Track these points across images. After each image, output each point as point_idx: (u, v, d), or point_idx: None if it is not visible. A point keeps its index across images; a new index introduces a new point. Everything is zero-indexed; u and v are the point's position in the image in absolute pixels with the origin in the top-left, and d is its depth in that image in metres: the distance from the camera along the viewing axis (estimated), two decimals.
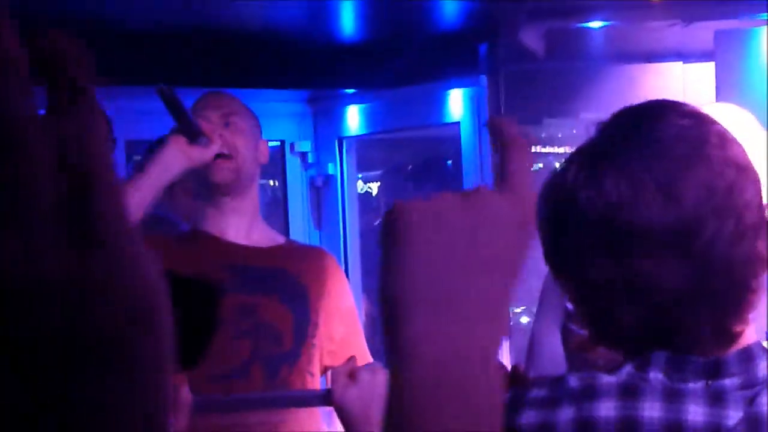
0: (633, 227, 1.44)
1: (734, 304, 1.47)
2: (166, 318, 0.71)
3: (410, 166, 6.61)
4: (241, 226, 2.94)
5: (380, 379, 2.22)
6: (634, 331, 1.48)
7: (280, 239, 3.19)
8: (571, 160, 1.55)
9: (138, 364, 0.68)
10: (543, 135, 5.06)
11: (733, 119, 2.83)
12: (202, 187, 2.99)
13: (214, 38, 4.68)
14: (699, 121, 1.51)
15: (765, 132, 3.02)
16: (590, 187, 1.47)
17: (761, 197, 1.49)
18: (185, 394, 2.35)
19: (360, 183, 6.48)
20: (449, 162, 5.77)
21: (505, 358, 3.90)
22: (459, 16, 4.67)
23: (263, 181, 5.76)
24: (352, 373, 2.31)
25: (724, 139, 1.49)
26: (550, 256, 1.57)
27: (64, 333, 0.59)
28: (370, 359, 2.99)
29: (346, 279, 3.20)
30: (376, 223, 6.24)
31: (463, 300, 0.82)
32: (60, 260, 0.59)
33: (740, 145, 1.51)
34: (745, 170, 1.48)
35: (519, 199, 0.85)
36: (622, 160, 1.47)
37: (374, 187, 6.58)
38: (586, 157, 1.52)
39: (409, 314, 0.81)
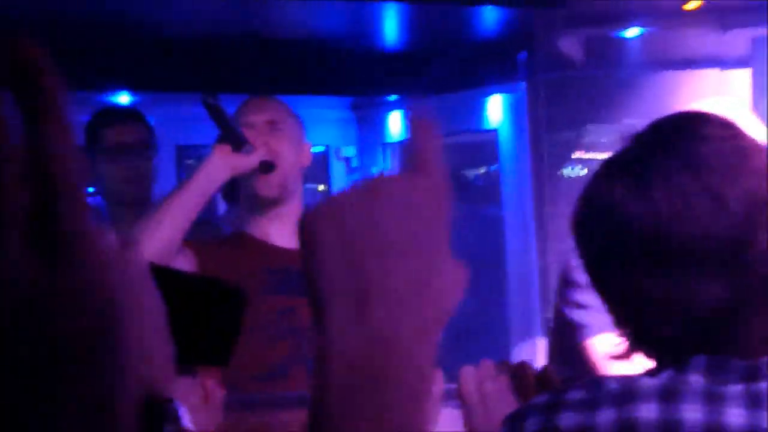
0: (686, 239, 1.42)
1: None
2: (136, 325, 0.69)
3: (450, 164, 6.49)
4: (284, 230, 2.91)
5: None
6: (679, 339, 1.47)
7: None
8: (611, 172, 1.52)
9: (101, 373, 0.67)
10: (586, 140, 5.06)
11: (730, 111, 2.61)
12: (248, 196, 2.98)
13: (261, 45, 4.69)
14: (735, 131, 1.49)
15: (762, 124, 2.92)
16: (639, 201, 1.45)
17: None
18: (218, 391, 2.34)
19: None
20: (492, 167, 5.78)
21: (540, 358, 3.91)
22: (498, 24, 4.66)
23: (311, 185, 5.79)
24: None
25: (760, 149, 1.48)
26: (594, 269, 1.55)
27: (30, 341, 0.58)
28: None
29: None
30: None
31: (377, 290, 0.78)
32: (26, 269, 0.59)
33: None
34: None
35: (426, 178, 0.81)
36: (669, 172, 1.45)
37: None
38: (629, 170, 1.49)
39: (325, 313, 0.78)
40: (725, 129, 1.50)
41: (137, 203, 3.44)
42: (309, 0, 4.04)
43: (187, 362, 0.97)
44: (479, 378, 1.92)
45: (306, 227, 0.79)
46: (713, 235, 1.42)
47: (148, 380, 0.87)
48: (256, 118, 2.95)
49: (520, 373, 1.86)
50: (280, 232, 2.91)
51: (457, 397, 1.91)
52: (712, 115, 1.56)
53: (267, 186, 2.88)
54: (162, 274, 0.87)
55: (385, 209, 0.78)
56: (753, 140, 1.50)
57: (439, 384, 2.00)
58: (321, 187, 5.97)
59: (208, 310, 1.00)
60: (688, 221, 1.42)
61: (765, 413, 1.37)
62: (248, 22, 4.45)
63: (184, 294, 0.96)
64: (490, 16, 4.47)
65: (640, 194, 1.46)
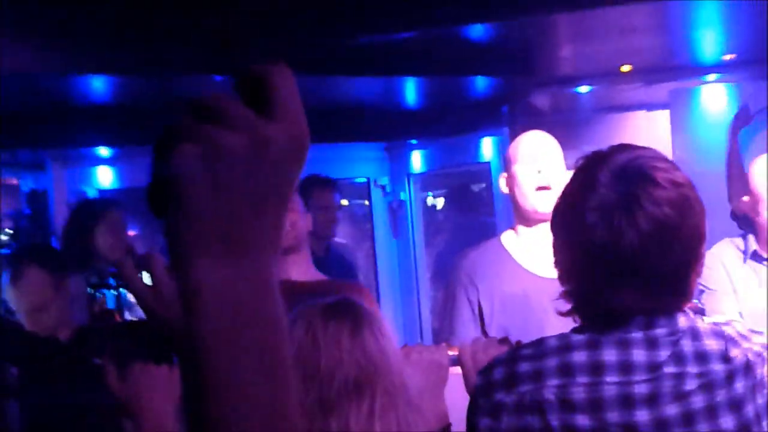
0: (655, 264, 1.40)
1: (681, 295, 1.46)
2: None
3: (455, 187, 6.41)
4: (293, 271, 2.77)
5: (432, 355, 2.02)
6: (605, 311, 1.45)
7: (323, 278, 2.93)
8: (586, 206, 1.42)
9: None
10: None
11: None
12: None
13: (324, 110, 4.83)
14: (681, 182, 1.44)
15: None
16: (605, 230, 1.40)
17: None
18: None
19: (430, 198, 6.43)
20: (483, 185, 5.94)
21: None
22: (487, 88, 4.80)
23: (359, 202, 5.96)
24: (407, 354, 2.03)
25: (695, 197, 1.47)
26: (561, 263, 1.51)
27: None
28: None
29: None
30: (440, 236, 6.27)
31: (246, 242, 0.64)
32: None
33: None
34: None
35: (291, 123, 0.66)
36: (629, 211, 1.39)
37: (440, 202, 6.51)
38: (601, 208, 1.41)
39: (190, 260, 0.63)
40: (674, 181, 1.42)
41: None
42: (358, 77, 4.21)
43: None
44: (473, 351, 1.98)
45: (174, 165, 0.63)
46: (658, 262, 1.40)
47: None
48: None
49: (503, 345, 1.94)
50: (297, 270, 2.78)
51: (458, 364, 2.00)
52: (664, 164, 1.45)
53: (287, 239, 2.73)
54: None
55: (254, 155, 0.63)
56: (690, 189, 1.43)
57: (446, 354, 2.03)
58: (366, 202, 6.09)
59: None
60: (640, 249, 1.39)
61: (659, 351, 1.41)
62: (310, 95, 4.84)
63: None
64: (482, 83, 4.62)
65: (606, 224, 1.39)
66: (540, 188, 2.77)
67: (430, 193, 6.39)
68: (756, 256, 2.92)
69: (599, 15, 3.50)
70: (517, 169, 2.84)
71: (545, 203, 2.68)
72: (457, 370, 2.05)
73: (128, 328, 1.30)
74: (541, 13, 3.41)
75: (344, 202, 5.82)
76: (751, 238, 2.92)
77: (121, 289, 1.33)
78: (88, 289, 1.27)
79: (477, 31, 3.69)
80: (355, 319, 1.32)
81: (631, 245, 1.38)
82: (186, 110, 0.65)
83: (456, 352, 2.11)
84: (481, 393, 1.49)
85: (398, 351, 1.30)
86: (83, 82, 3.85)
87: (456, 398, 1.91)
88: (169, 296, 1.20)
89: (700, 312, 3.47)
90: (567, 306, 1.50)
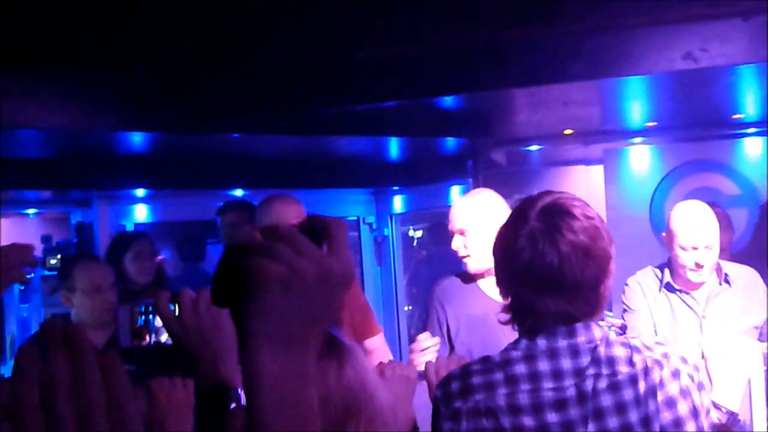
0: (570, 278, 1.41)
1: (597, 312, 1.46)
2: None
3: (429, 226, 6.46)
4: None
5: (402, 372, 1.96)
6: (535, 320, 1.45)
7: None
8: (519, 232, 1.43)
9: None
10: (512, 203, 5.10)
11: (485, 195, 2.73)
12: None
13: (321, 160, 4.97)
14: (591, 216, 1.45)
15: (508, 209, 2.64)
16: (533, 251, 1.41)
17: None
18: None
19: (411, 231, 6.34)
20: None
21: None
22: (455, 146, 4.78)
23: (353, 233, 5.81)
24: (381, 371, 1.99)
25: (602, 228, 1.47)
26: (502, 282, 1.50)
27: None
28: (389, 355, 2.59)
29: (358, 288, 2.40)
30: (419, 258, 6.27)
31: (303, 341, 0.68)
32: None
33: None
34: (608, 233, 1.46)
35: (344, 262, 0.71)
36: (552, 236, 1.41)
37: (419, 233, 6.40)
38: (531, 235, 1.42)
39: (257, 349, 0.66)
40: (587, 215, 1.44)
41: None
42: (353, 136, 4.19)
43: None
44: (436, 367, 1.97)
45: (255, 278, 0.66)
46: (572, 275, 1.40)
47: (223, 375, 1.09)
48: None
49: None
50: None
51: (424, 378, 1.99)
52: (579, 203, 1.47)
53: None
54: None
55: (318, 282, 0.68)
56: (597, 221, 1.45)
57: (414, 370, 2.01)
58: (354, 234, 5.97)
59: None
60: (559, 264, 1.40)
61: (580, 358, 1.41)
62: (312, 150, 4.64)
63: None
64: (451, 142, 4.63)
65: (537, 244, 1.41)
66: None
67: (411, 226, 6.37)
68: (669, 287, 2.90)
69: (547, 90, 3.53)
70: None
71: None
72: (424, 383, 2.04)
73: (156, 349, 1.27)
74: (500, 88, 3.42)
75: None
76: (666, 270, 2.90)
77: (151, 316, 1.28)
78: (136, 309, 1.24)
79: (447, 101, 3.71)
80: (339, 354, 1.29)
81: (552, 263, 1.40)
82: (263, 233, 0.71)
83: (422, 368, 2.10)
84: (441, 402, 1.49)
85: (374, 378, 1.26)
86: (125, 136, 3.86)
87: (421, 405, 1.92)
88: (190, 327, 1.18)
89: (624, 328, 3.48)
90: (506, 316, 1.51)
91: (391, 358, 2.43)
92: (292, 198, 2.81)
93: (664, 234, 2.92)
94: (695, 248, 2.75)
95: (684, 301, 2.88)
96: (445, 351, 2.59)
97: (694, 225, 2.76)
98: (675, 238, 2.81)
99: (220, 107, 3.58)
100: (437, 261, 5.90)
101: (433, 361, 2.09)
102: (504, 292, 1.51)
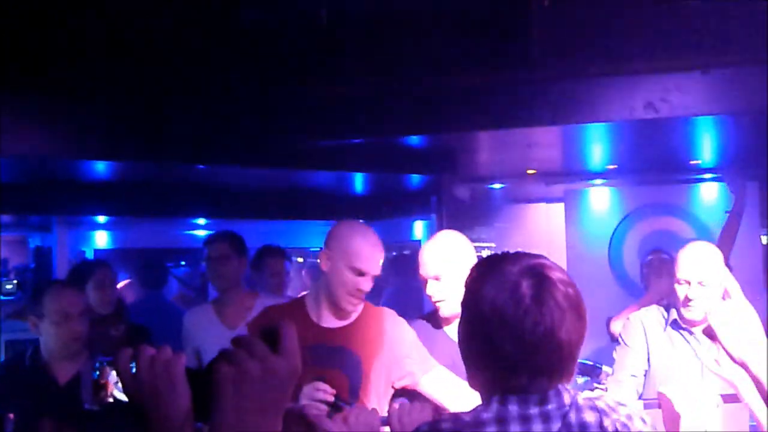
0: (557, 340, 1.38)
1: (570, 375, 1.43)
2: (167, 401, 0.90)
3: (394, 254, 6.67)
4: (332, 316, 2.46)
5: (366, 418, 1.93)
6: (509, 385, 1.42)
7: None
8: (492, 287, 1.42)
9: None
10: (474, 236, 5.01)
11: (457, 240, 2.60)
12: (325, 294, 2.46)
13: (289, 192, 5.00)
14: (569, 278, 1.44)
15: (471, 246, 2.61)
16: (510, 306, 1.39)
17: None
18: None
19: None
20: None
21: None
22: (421, 182, 4.83)
23: (314, 261, 5.68)
24: (345, 417, 2.01)
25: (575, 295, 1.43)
26: (466, 336, 1.48)
27: None
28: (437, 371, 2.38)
29: (402, 328, 2.46)
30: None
31: (260, 424, 0.82)
32: None
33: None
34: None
35: (290, 360, 0.85)
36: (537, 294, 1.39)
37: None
38: (505, 288, 1.41)
39: None
40: (567, 280, 1.43)
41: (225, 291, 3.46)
42: (321, 171, 4.21)
43: (199, 420, 1.05)
44: (399, 414, 1.99)
45: (217, 375, 0.85)
46: (564, 339, 1.39)
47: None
48: None
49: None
50: (328, 318, 2.46)
51: (387, 424, 1.98)
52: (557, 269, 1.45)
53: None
54: (190, 372, 1.04)
55: (270, 378, 0.84)
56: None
57: (377, 416, 1.99)
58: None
59: (208, 391, 1.01)
60: (551, 328, 1.38)
61: (551, 424, 1.39)
62: (281, 183, 4.73)
63: (199, 382, 1.02)
64: (416, 178, 4.66)
65: (528, 309, 1.39)
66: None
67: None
68: (675, 324, 2.88)
69: (511, 132, 3.57)
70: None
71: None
72: (386, 429, 2.01)
73: (113, 406, 1.23)
74: (465, 130, 3.46)
75: (300, 259, 5.67)
76: (673, 310, 2.89)
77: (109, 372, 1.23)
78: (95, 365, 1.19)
79: (414, 140, 3.74)
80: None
81: (543, 327, 1.38)
82: (234, 342, 0.86)
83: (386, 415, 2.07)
84: None
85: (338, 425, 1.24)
86: (87, 164, 3.82)
87: None
88: (146, 385, 1.14)
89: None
90: (477, 383, 1.48)
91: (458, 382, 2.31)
92: (361, 224, 2.68)
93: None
94: (688, 282, 2.72)
95: (686, 340, 2.87)
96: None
97: (690, 259, 2.72)
98: (675, 272, 2.77)
99: (183, 137, 3.56)
100: (398, 291, 5.89)
101: (397, 407, 2.06)
102: (471, 355, 1.47)
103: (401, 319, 2.53)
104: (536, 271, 1.42)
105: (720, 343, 1.73)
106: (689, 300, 2.74)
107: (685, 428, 2.20)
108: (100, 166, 3.92)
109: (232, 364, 0.83)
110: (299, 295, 2.70)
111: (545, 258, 1.47)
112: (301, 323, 2.38)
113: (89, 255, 5.09)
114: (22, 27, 3.01)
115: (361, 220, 2.47)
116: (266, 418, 0.81)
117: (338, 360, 2.41)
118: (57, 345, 2.77)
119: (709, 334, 1.76)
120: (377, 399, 2.40)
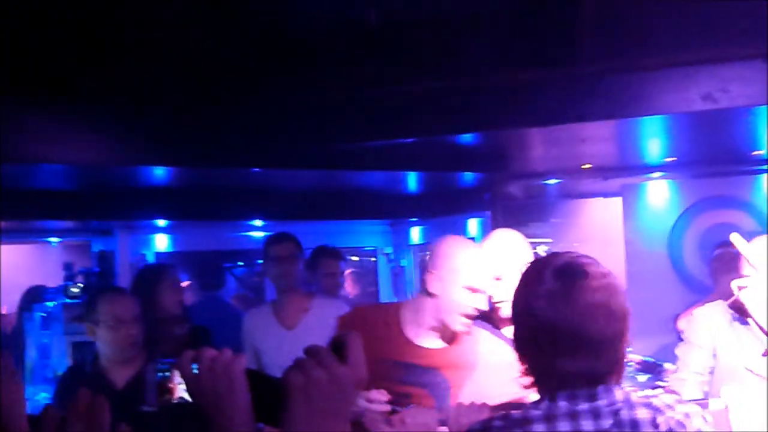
0: (579, 333, 1.39)
1: (621, 372, 1.45)
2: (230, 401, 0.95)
3: None
4: (433, 338, 2.39)
5: (422, 419, 1.94)
6: (557, 382, 1.42)
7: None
8: (541, 289, 1.43)
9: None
10: (530, 232, 4.87)
11: (512, 239, 2.61)
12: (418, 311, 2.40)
13: (343, 193, 5.05)
14: (606, 273, 1.44)
15: (527, 244, 2.63)
16: (556, 309, 1.40)
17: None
18: None
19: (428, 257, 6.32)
20: None
21: None
22: (474, 180, 4.82)
23: (370, 260, 5.86)
24: (402, 418, 2.02)
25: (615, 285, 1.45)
26: (521, 340, 1.48)
27: None
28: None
29: (496, 352, 2.33)
30: None
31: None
32: None
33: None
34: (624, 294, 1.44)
35: (356, 370, 0.91)
36: (574, 295, 1.40)
37: None
38: (552, 293, 1.42)
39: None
40: (597, 268, 1.44)
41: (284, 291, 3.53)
42: (375, 171, 4.23)
43: (259, 421, 1.09)
44: (456, 414, 1.97)
45: (287, 386, 0.92)
46: (595, 334, 1.39)
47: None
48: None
49: None
50: (418, 335, 2.39)
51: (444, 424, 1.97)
52: (591, 261, 1.46)
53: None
54: (250, 374, 1.08)
55: (338, 387, 0.90)
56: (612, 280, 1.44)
57: (434, 417, 2.00)
58: (373, 259, 6.09)
59: (269, 394, 1.06)
60: (580, 324, 1.39)
61: (602, 420, 1.38)
62: (335, 184, 4.77)
63: (259, 385, 1.09)
64: (469, 176, 4.67)
65: (557, 306, 1.40)
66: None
67: (428, 253, 6.36)
68: (742, 319, 2.79)
69: (564, 128, 3.50)
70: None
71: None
72: (444, 428, 2.03)
73: (177, 407, 1.25)
74: (518, 127, 3.42)
75: (355, 258, 5.72)
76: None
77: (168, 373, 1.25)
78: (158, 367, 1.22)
79: (467, 138, 3.70)
80: None
81: (573, 323, 1.40)
82: (306, 352, 0.93)
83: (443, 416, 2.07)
84: None
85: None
86: (147, 169, 3.89)
87: None
88: (207, 387, 1.15)
89: (645, 365, 3.35)
90: (528, 380, 1.50)
91: None
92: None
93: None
94: None
95: (755, 336, 2.79)
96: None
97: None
98: (743, 267, 2.67)
99: (240, 142, 3.60)
100: None
101: (455, 407, 2.07)
102: (521, 355, 1.48)
103: (496, 340, 2.41)
104: (568, 268, 1.43)
105: None
106: None
107: (749, 427, 2.16)
108: (159, 172, 3.99)
109: (302, 372, 0.89)
110: (390, 302, 2.70)
111: (582, 255, 1.47)
112: (394, 336, 2.37)
113: (150, 258, 5.19)
114: (80, 36, 3.07)
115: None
116: (333, 424, 0.88)
117: (428, 382, 2.32)
118: (113, 350, 2.84)
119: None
120: None
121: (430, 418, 2.02)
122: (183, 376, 1.18)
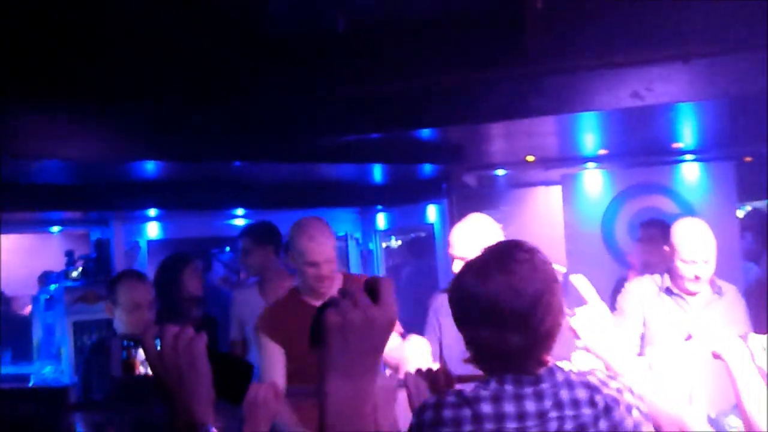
0: (506, 310, 1.35)
1: (547, 349, 1.40)
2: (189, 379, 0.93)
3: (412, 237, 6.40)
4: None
5: (386, 383, 1.90)
6: (498, 362, 1.40)
7: None
8: (469, 271, 1.41)
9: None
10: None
11: (483, 222, 2.61)
12: None
13: (316, 183, 5.01)
14: (532, 253, 1.40)
15: (498, 228, 2.61)
16: (481, 289, 1.37)
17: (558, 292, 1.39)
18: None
19: (393, 241, 6.29)
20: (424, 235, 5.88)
21: None
22: (432, 171, 4.80)
23: (341, 244, 5.70)
24: None
25: (544, 262, 1.41)
26: (458, 322, 1.44)
27: None
28: None
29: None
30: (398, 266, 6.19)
31: (357, 371, 0.86)
32: None
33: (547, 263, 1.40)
34: (552, 279, 1.40)
35: (388, 311, 0.87)
36: (498, 274, 1.36)
37: (398, 243, 6.32)
38: (479, 271, 1.40)
39: (327, 376, 0.86)
40: (526, 252, 1.40)
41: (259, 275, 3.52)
42: (343, 163, 4.16)
43: (220, 398, 1.05)
44: (414, 379, 1.92)
45: (324, 323, 0.87)
46: (517, 309, 1.35)
47: (196, 412, 1.03)
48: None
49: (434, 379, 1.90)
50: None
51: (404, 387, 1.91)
52: (521, 243, 1.43)
53: None
54: (212, 353, 1.03)
55: (370, 327, 0.86)
56: (541, 257, 1.40)
57: (395, 379, 1.94)
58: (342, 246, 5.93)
59: (230, 372, 1.04)
60: (506, 301, 1.35)
61: (544, 402, 1.36)
62: (308, 175, 4.68)
63: (221, 363, 1.04)
64: (428, 168, 4.63)
65: (485, 285, 1.37)
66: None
67: (393, 237, 6.34)
68: (668, 291, 2.86)
69: (513, 123, 3.53)
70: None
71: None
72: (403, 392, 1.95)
73: (141, 380, 1.19)
74: (471, 122, 3.43)
75: None
76: (666, 276, 2.87)
77: (134, 350, 1.19)
78: (123, 342, 1.14)
79: (425, 133, 3.69)
80: None
81: (488, 297, 1.36)
82: (340, 293, 0.88)
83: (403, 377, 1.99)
84: (416, 429, 1.43)
85: None
86: (139, 164, 3.82)
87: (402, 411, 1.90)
88: (169, 363, 1.09)
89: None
90: (468, 355, 1.45)
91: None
92: (318, 219, 2.57)
93: (666, 247, 2.86)
94: (695, 262, 2.71)
95: (679, 306, 2.85)
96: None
97: (695, 241, 2.72)
98: (677, 253, 2.76)
99: (223, 139, 3.56)
100: (415, 271, 5.90)
101: (413, 372, 1.99)
102: (465, 332, 1.43)
103: None
104: (497, 252, 1.40)
105: None
106: (698, 278, 2.73)
107: (669, 385, 2.13)
108: (150, 166, 3.93)
109: (339, 312, 0.86)
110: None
111: (520, 241, 1.43)
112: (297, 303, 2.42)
113: (142, 245, 5.11)
114: (73, 36, 3.00)
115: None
116: (367, 359, 0.86)
117: None
118: (128, 331, 2.78)
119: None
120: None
121: (389, 381, 1.96)
122: (146, 351, 1.11)
